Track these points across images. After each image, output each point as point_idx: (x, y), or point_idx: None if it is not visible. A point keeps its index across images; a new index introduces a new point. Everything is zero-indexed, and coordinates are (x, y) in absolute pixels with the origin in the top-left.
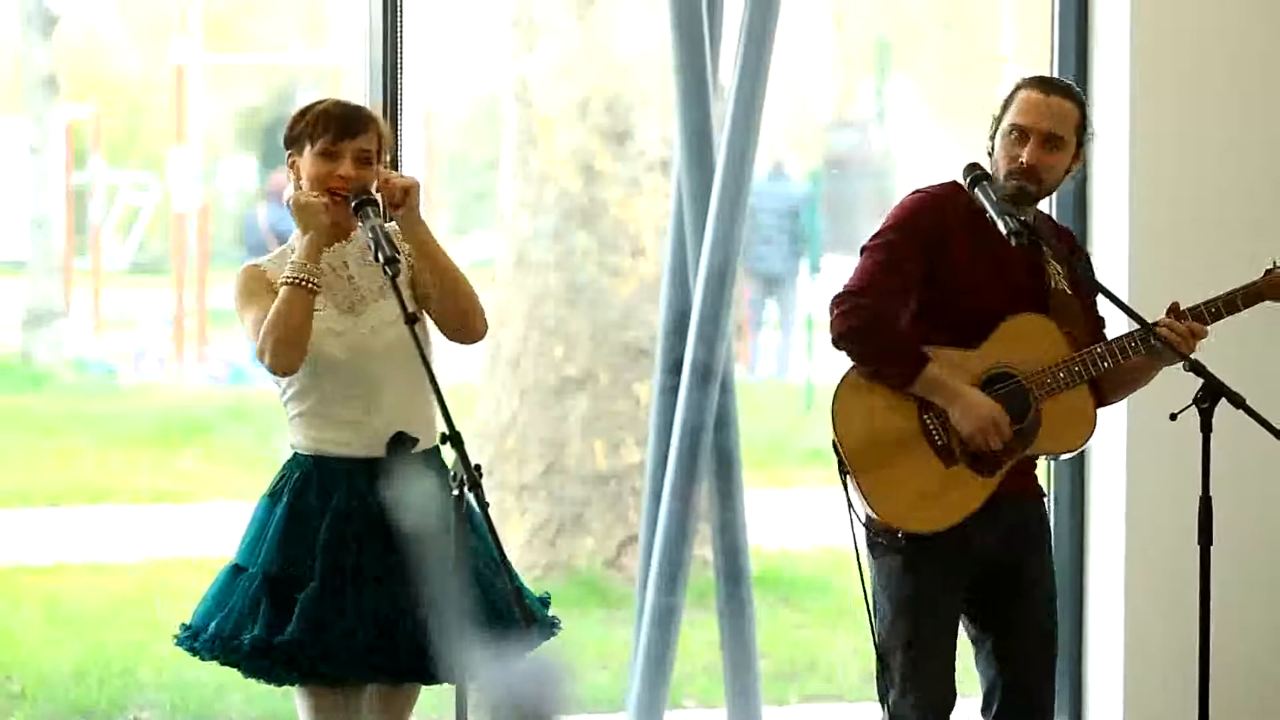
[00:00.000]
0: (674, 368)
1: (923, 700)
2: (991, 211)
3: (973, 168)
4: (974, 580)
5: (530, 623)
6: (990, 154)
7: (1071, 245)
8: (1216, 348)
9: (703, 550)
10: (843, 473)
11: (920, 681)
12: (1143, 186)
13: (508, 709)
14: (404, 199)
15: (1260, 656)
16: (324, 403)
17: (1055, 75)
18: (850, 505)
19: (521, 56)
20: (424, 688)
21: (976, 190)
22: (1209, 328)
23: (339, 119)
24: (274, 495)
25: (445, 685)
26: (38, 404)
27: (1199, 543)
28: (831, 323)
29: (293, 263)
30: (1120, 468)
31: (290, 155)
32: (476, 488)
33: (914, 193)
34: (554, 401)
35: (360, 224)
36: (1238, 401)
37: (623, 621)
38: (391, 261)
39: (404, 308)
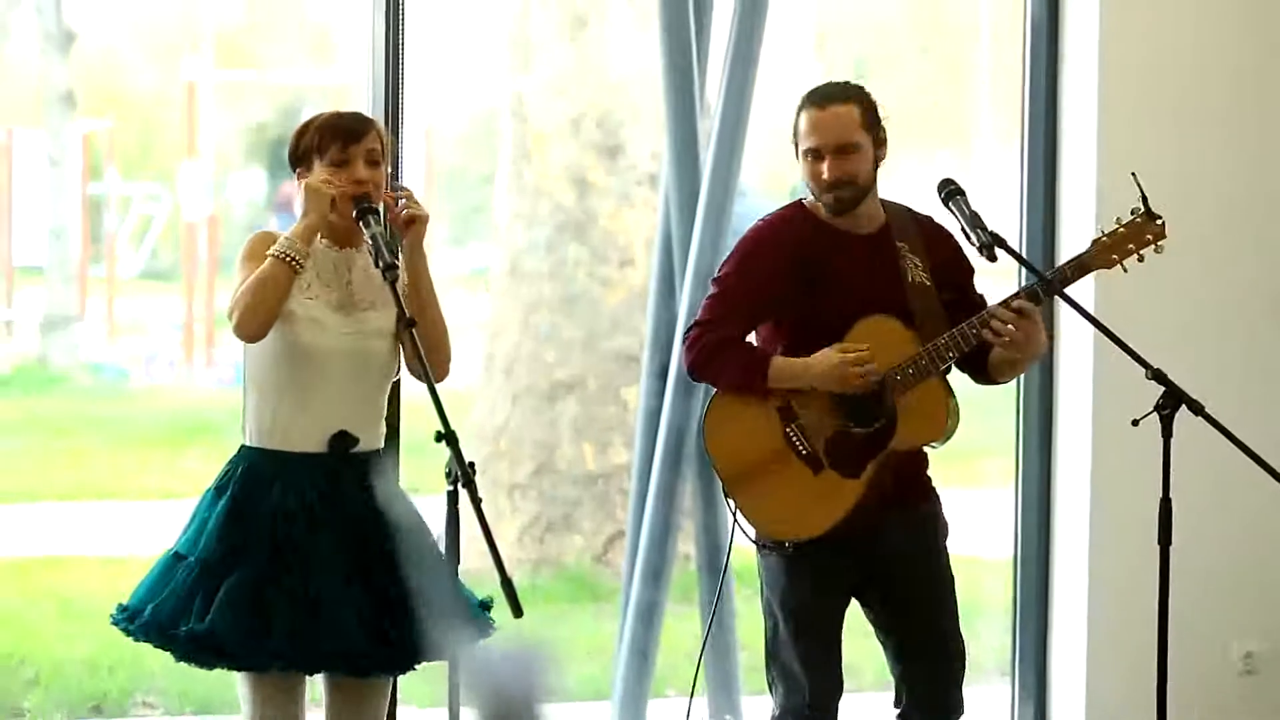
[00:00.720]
0: (660, 373)
1: (807, 694)
2: (964, 225)
3: (946, 183)
4: (862, 581)
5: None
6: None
7: (936, 234)
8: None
9: (686, 547)
10: (725, 493)
11: (808, 673)
12: (1110, 189)
13: (491, 696)
14: (407, 228)
15: (1216, 650)
16: (283, 392)
17: (829, 87)
18: (734, 515)
19: (518, 75)
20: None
21: (950, 205)
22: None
23: (344, 128)
24: (219, 488)
25: (439, 676)
26: (53, 405)
27: (1159, 542)
28: (682, 357)
29: (285, 238)
30: (1085, 471)
31: (299, 173)
32: (470, 485)
33: (758, 221)
34: (545, 405)
35: (362, 230)
36: (1196, 408)
37: (609, 615)
38: (390, 268)
39: (402, 312)
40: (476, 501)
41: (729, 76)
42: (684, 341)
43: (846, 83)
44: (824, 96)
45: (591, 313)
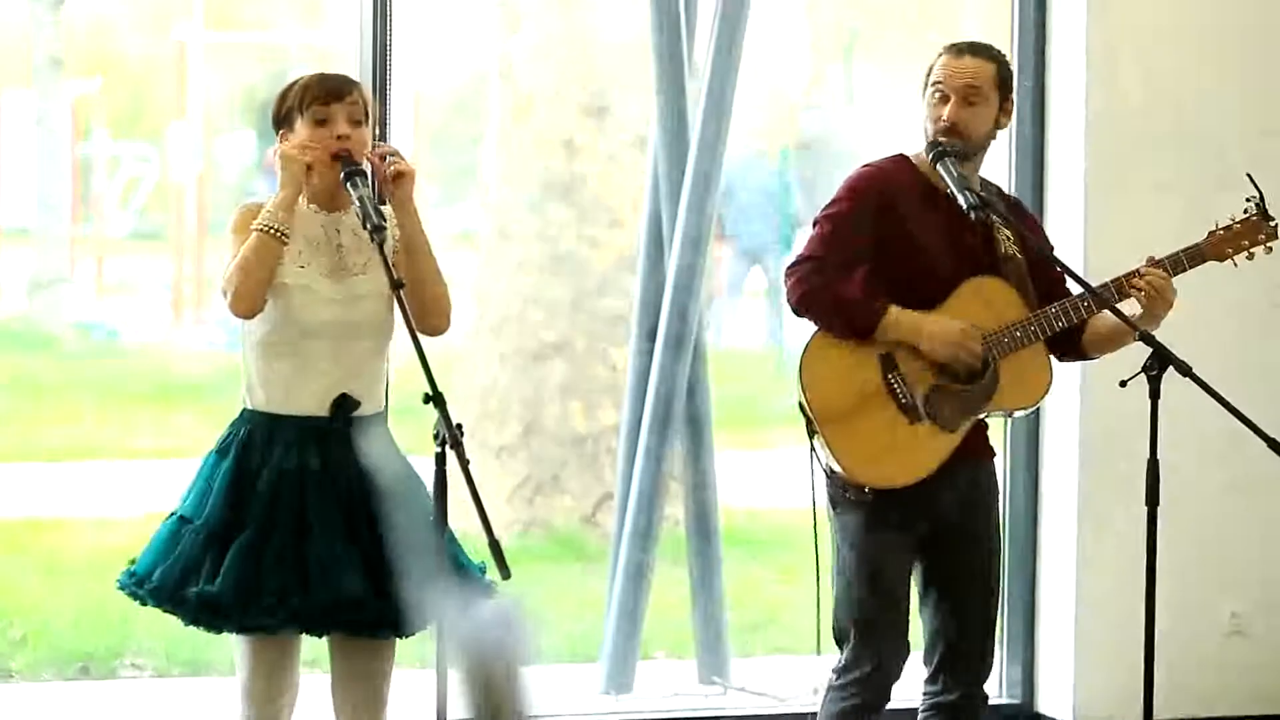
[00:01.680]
0: (649, 335)
1: (882, 649)
2: (952, 186)
3: (935, 144)
4: (927, 535)
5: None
6: (925, 125)
7: (1020, 213)
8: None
9: (675, 508)
10: (810, 432)
11: (880, 632)
12: (1098, 174)
13: (471, 656)
14: (395, 184)
15: (1204, 611)
16: (282, 358)
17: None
18: (815, 461)
19: (506, 37)
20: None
21: (938, 165)
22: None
23: (325, 85)
24: (221, 451)
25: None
26: (42, 365)
27: (1147, 503)
28: (788, 291)
29: (267, 210)
30: (1073, 431)
31: (282, 133)
32: (458, 446)
33: (863, 166)
34: (534, 366)
35: (349, 192)
36: (1184, 369)
37: (598, 576)
38: (378, 230)
39: (390, 275)
40: (464, 463)
41: (717, 37)
42: (787, 277)
43: (989, 44)
44: (964, 47)
45: (580, 274)
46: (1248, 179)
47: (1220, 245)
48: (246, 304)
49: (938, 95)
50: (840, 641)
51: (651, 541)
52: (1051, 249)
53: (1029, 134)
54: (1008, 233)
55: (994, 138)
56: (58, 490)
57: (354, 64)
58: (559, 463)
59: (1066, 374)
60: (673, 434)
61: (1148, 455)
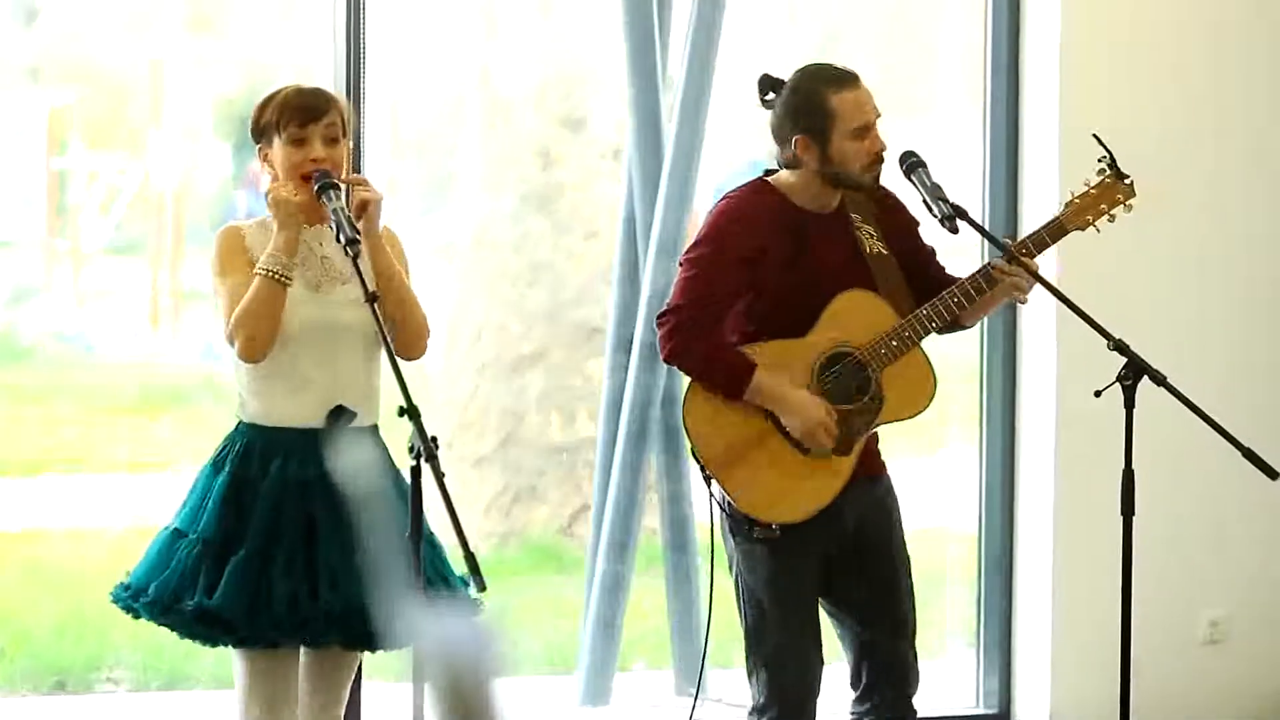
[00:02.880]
0: (624, 347)
1: (791, 678)
2: (926, 198)
3: (908, 155)
4: (829, 555)
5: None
6: (808, 162)
7: (887, 205)
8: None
9: (652, 519)
10: (706, 478)
11: (787, 661)
12: (1072, 170)
13: (445, 668)
14: (361, 211)
15: (1181, 619)
16: (276, 373)
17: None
18: (712, 497)
19: (483, 46)
20: (369, 655)
21: (912, 177)
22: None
23: (302, 105)
24: (217, 464)
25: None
26: (20, 376)
27: (1122, 513)
28: (659, 343)
29: (269, 254)
30: (1049, 441)
31: (260, 148)
32: (433, 459)
33: (722, 200)
34: (510, 377)
35: (323, 204)
36: (1158, 379)
37: (575, 587)
38: (352, 242)
39: (365, 287)
40: (439, 477)
41: (691, 47)
42: (658, 325)
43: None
44: (851, 76)
45: (556, 285)
46: (1094, 139)
47: (1080, 214)
48: (257, 352)
49: (860, 133)
50: (753, 674)
51: (629, 553)
52: (914, 222)
53: (1004, 138)
54: (870, 230)
55: None
56: (34, 502)
57: (328, 75)
58: (536, 474)
59: (1042, 384)
60: (649, 445)
61: (1123, 465)
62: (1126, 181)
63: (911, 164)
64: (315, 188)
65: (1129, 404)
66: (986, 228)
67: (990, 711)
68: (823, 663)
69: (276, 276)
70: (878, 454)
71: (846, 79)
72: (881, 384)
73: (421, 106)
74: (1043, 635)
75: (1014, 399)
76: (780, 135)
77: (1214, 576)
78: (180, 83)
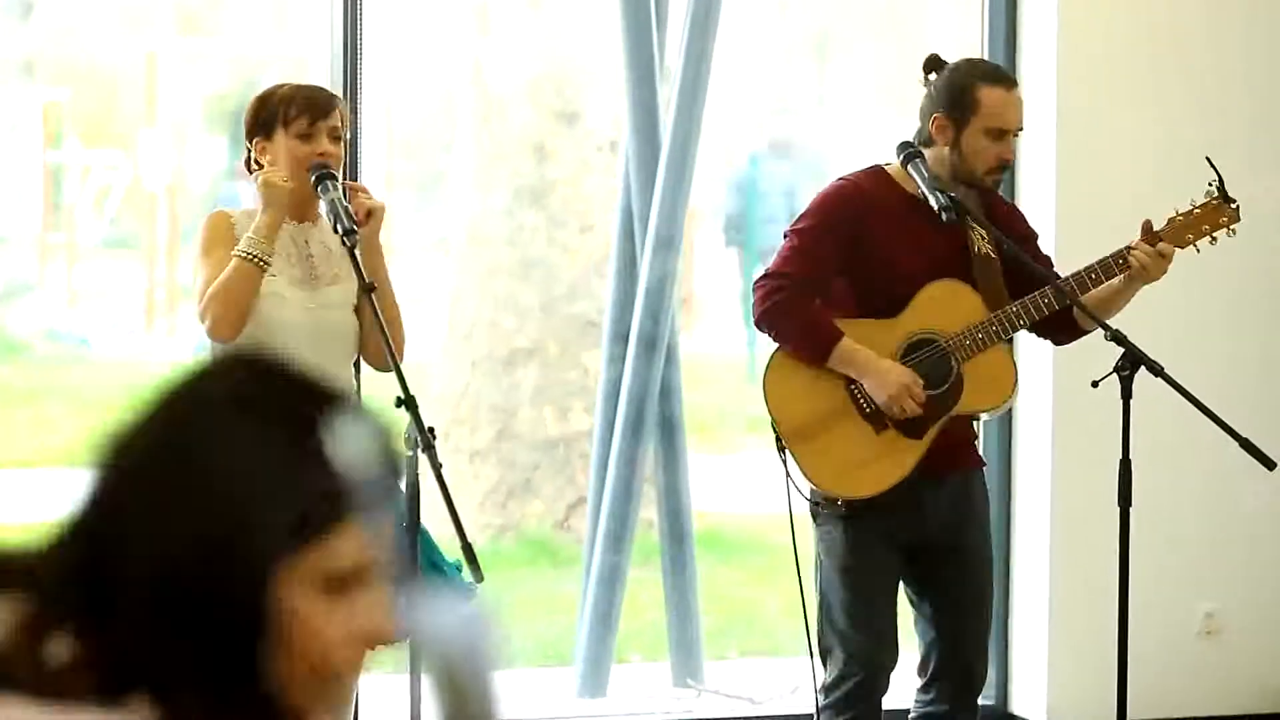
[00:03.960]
0: (621, 339)
1: (867, 662)
2: (924, 188)
3: (905, 145)
4: (913, 545)
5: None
6: (939, 143)
7: (996, 207)
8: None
9: (648, 512)
10: (780, 448)
11: (865, 644)
12: (1069, 172)
13: (442, 659)
14: (366, 219)
15: (1177, 611)
16: None
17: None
18: (789, 477)
19: (476, 40)
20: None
21: (909, 167)
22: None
23: (312, 101)
24: None
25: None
26: (13, 373)
27: (1119, 503)
28: (754, 305)
29: (249, 237)
30: (1046, 432)
31: (257, 141)
32: (430, 450)
33: (836, 180)
34: (505, 371)
35: (320, 196)
36: (1155, 369)
37: (571, 580)
38: (350, 233)
39: (361, 277)
40: (437, 467)
41: (688, 39)
42: (755, 289)
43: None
44: (1010, 79)
45: (551, 279)
46: (1206, 162)
47: (1181, 231)
48: (228, 331)
49: (995, 135)
50: (825, 655)
51: (625, 545)
52: (1032, 238)
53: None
54: (981, 232)
55: None
56: (27, 498)
57: (325, 70)
58: (531, 467)
59: (1039, 374)
60: (645, 438)
61: (1120, 456)
62: (1233, 206)
63: (909, 154)
64: (313, 178)
65: (1126, 394)
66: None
67: (987, 703)
68: (897, 652)
69: (254, 259)
70: (973, 447)
71: (1004, 79)
72: (963, 375)
73: (415, 103)
74: (1039, 628)
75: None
76: (924, 111)
77: (1211, 569)
78: (173, 79)
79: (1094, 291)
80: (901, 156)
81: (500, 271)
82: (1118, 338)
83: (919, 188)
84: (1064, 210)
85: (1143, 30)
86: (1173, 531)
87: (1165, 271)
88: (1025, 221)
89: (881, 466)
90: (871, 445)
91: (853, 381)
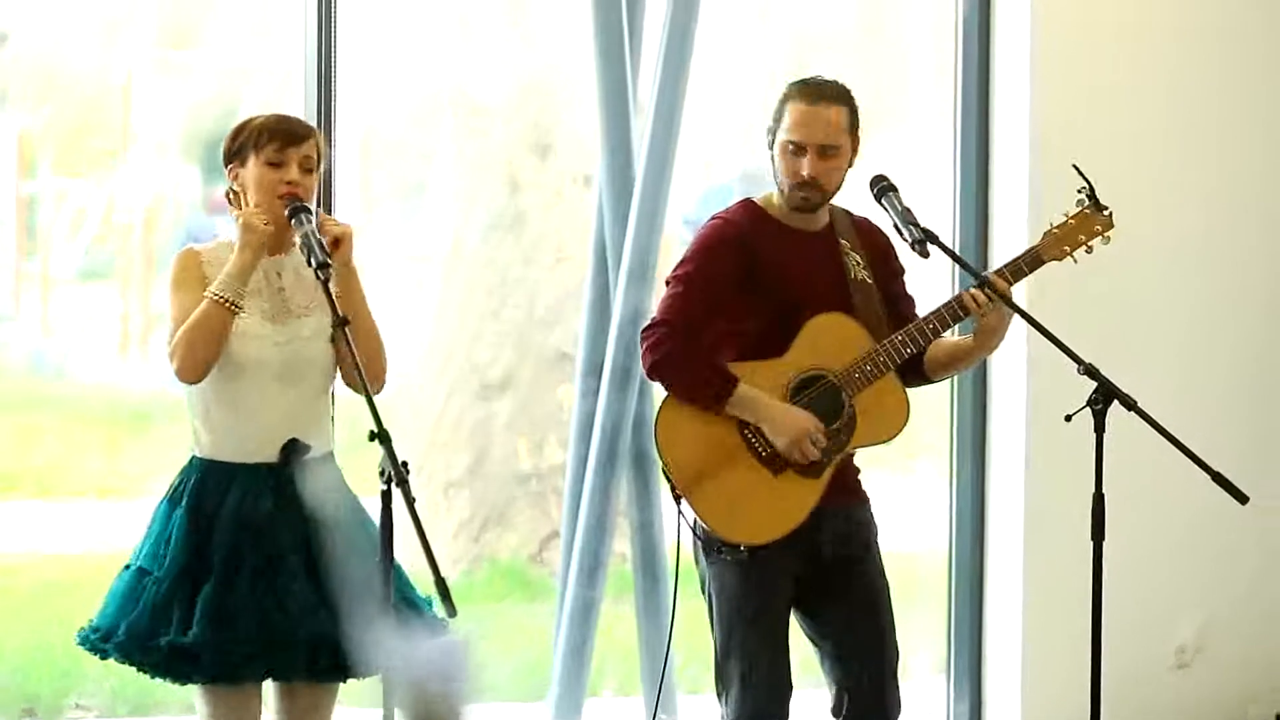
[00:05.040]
0: (594, 372)
1: (759, 699)
2: (896, 221)
3: (879, 179)
4: (805, 584)
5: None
6: (772, 162)
7: (869, 233)
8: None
9: (622, 545)
10: (675, 495)
11: (756, 681)
12: (1044, 191)
13: (415, 695)
14: (335, 247)
15: (1150, 644)
16: (229, 408)
17: (818, 78)
18: (681, 517)
19: (453, 69)
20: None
21: (883, 201)
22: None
23: (283, 129)
24: (173, 499)
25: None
26: None
27: (1092, 538)
28: (642, 356)
29: (223, 279)
30: (1019, 465)
31: (232, 168)
32: (404, 484)
33: (710, 219)
34: (479, 403)
35: (293, 228)
36: (1128, 403)
37: (545, 613)
38: (324, 266)
39: (335, 311)
40: (410, 501)
41: (662, 72)
42: (643, 340)
43: (837, 82)
44: (817, 93)
45: (525, 310)
46: (1074, 170)
47: (1057, 244)
48: (193, 374)
49: (793, 148)
50: (722, 694)
51: (598, 579)
52: (900, 269)
53: (974, 155)
54: (856, 258)
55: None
56: (2, 527)
57: (299, 98)
58: (506, 499)
59: (1012, 408)
60: (619, 471)
61: (1093, 489)
62: (1105, 213)
63: (882, 188)
64: (287, 210)
65: (1099, 428)
66: (958, 251)
67: None
68: (791, 686)
69: (226, 303)
70: (858, 484)
71: (809, 93)
72: (855, 408)
73: (395, 114)
74: (1013, 659)
75: (985, 422)
76: None
77: (1184, 600)
78: (149, 106)
79: (944, 343)
80: (875, 190)
81: (474, 303)
82: (1091, 371)
83: (892, 221)
84: (1038, 217)
85: (1119, 29)
86: (1146, 564)
87: (1005, 322)
88: (897, 260)
89: (781, 510)
90: (769, 488)
91: (746, 424)
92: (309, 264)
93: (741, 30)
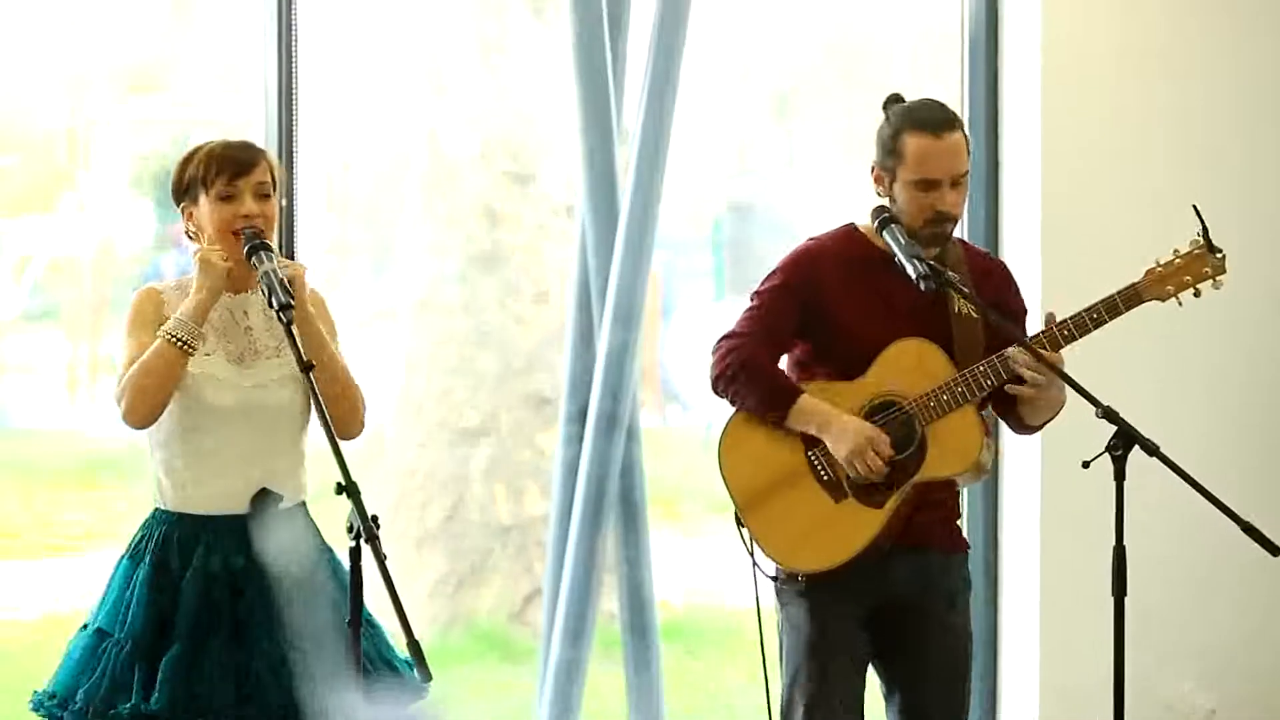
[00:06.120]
0: (579, 417)
1: None
2: (901, 256)
3: (880, 210)
4: (881, 626)
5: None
6: (886, 196)
7: (984, 269)
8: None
9: (609, 602)
10: (737, 521)
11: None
12: (1053, 219)
13: None
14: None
15: (1175, 708)
16: (195, 457)
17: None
18: (750, 551)
19: (429, 104)
20: None
21: (884, 234)
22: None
23: (230, 158)
24: (135, 556)
25: None
26: None
27: (1113, 593)
28: (710, 367)
29: (177, 318)
30: (1034, 516)
31: (184, 206)
32: (374, 540)
33: (806, 240)
34: (455, 450)
35: (254, 268)
36: (1150, 449)
37: (527, 676)
38: (286, 308)
39: (299, 356)
40: (381, 559)
41: (647, 98)
42: (713, 351)
43: (944, 104)
44: (941, 123)
45: (504, 352)
46: (1193, 210)
47: (1160, 283)
48: (141, 415)
49: (924, 185)
50: None
51: (585, 639)
52: (1021, 309)
53: (982, 161)
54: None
55: None
56: None
57: (259, 132)
58: (483, 554)
59: (1026, 455)
60: (606, 521)
61: (1114, 541)
62: (1219, 256)
63: (884, 220)
64: (245, 249)
65: (1119, 475)
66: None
67: None
68: None
69: (178, 343)
70: (949, 528)
71: (931, 124)
72: (927, 439)
73: (366, 167)
74: None
75: (995, 470)
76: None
77: (1211, 663)
78: (97, 142)
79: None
80: (876, 222)
81: (451, 343)
82: (1110, 415)
83: (895, 255)
84: (1050, 238)
85: (1126, 49)
86: (1171, 622)
87: (1056, 387)
88: (1014, 293)
89: (836, 537)
90: (828, 514)
91: (811, 447)
92: (270, 305)
93: (729, 52)
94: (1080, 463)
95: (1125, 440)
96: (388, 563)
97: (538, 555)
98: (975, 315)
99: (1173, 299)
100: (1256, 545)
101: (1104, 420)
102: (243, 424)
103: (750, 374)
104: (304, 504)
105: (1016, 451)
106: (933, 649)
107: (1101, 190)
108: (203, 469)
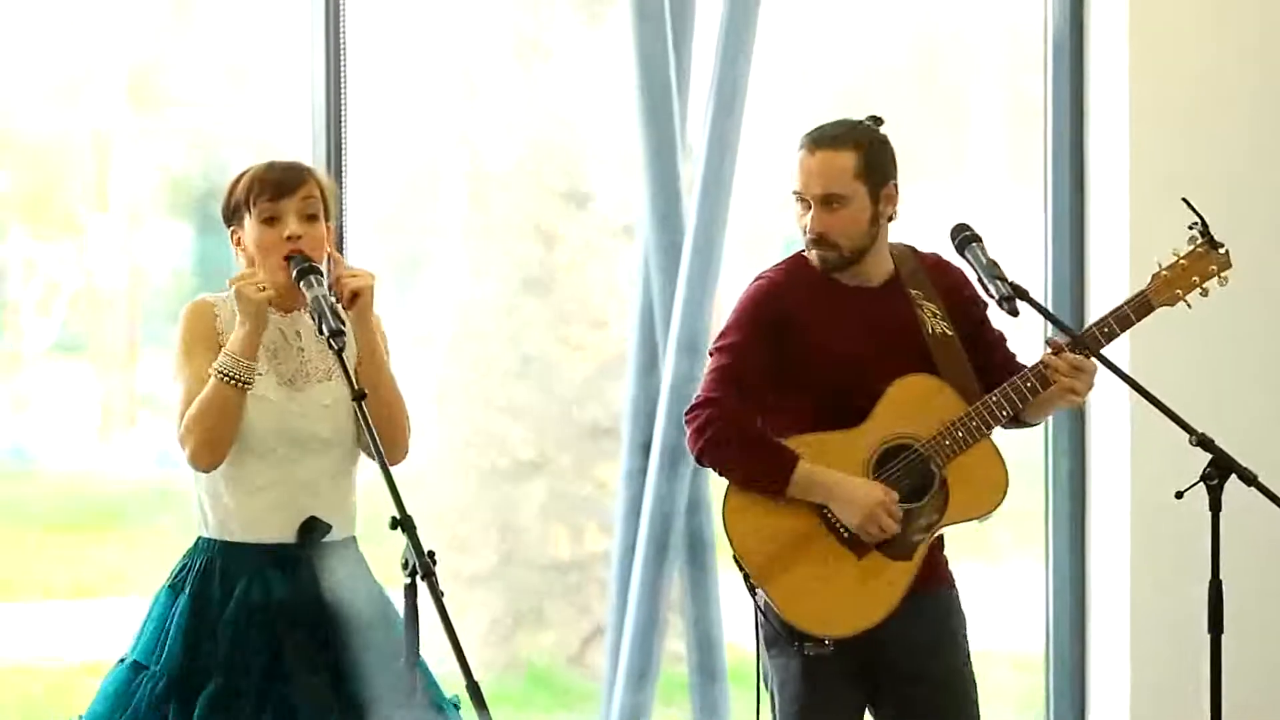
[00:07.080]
0: (642, 450)
1: None
2: (981, 276)
3: (961, 228)
4: (883, 678)
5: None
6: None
7: (942, 273)
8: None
9: (675, 645)
10: (750, 589)
11: None
12: (1142, 218)
13: None
14: (352, 302)
15: None
16: (242, 482)
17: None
18: (760, 611)
19: (468, 115)
20: None
21: (965, 253)
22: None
23: (273, 179)
24: (175, 586)
25: None
26: None
27: (1209, 630)
28: (689, 441)
29: (226, 353)
30: (1124, 550)
31: (233, 230)
32: (430, 576)
33: (754, 281)
34: (509, 485)
35: (303, 293)
36: (1248, 478)
37: None
38: (336, 335)
39: (351, 384)
40: (437, 595)
41: (713, 112)
42: (687, 422)
43: (855, 124)
44: (818, 138)
45: (559, 381)
46: (1184, 203)
47: (1168, 288)
48: (206, 462)
49: (799, 201)
50: None
51: (649, 683)
52: (983, 306)
53: (1066, 172)
54: (933, 308)
55: (881, 224)
56: None
57: (305, 149)
58: (540, 594)
59: (1116, 485)
60: (671, 560)
61: (1209, 576)
62: (1221, 251)
63: (964, 239)
64: (294, 272)
65: (1215, 506)
66: (1049, 307)
67: None
68: None
69: (233, 381)
70: (943, 565)
71: (810, 138)
72: (947, 480)
73: (395, 178)
74: None
75: (1084, 501)
76: None
77: None
78: (126, 162)
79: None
80: (956, 241)
81: (500, 373)
82: (1204, 442)
83: (977, 276)
84: (1138, 215)
85: (1216, 64)
86: (1270, 663)
87: (1090, 386)
88: (975, 293)
89: (869, 595)
90: (853, 572)
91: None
92: (320, 332)
93: (797, 62)
94: (1173, 493)
95: (1221, 469)
96: (444, 599)
97: (598, 594)
98: (950, 334)
99: (1182, 302)
100: None
101: (1199, 448)
102: (292, 448)
103: (734, 450)
104: (354, 538)
105: (1105, 480)
106: (937, 670)
107: (1190, 188)
108: (247, 495)
